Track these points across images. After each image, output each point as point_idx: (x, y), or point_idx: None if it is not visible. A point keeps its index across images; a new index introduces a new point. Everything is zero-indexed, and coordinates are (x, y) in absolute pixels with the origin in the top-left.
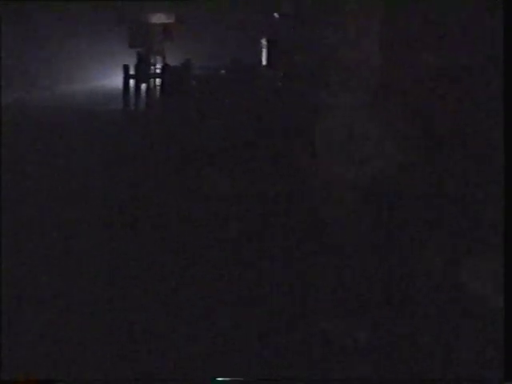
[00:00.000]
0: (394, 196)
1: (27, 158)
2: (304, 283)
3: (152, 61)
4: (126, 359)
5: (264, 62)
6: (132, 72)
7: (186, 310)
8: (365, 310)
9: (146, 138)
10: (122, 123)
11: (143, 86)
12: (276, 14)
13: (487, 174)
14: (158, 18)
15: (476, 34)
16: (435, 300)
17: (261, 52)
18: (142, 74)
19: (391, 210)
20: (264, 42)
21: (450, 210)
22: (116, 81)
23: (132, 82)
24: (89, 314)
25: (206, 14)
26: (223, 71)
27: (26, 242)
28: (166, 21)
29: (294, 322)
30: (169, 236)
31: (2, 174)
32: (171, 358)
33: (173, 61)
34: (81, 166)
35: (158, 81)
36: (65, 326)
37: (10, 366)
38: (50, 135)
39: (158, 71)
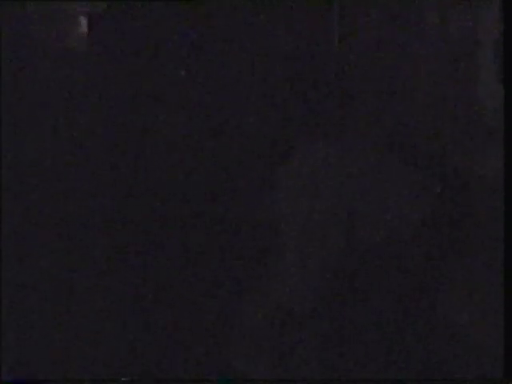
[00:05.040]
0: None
1: None
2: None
3: None
4: (124, 359)
5: None
6: None
7: (186, 310)
8: (365, 304)
9: None
10: None
11: None
12: None
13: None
14: None
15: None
16: (432, 299)
17: None
18: None
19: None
20: None
21: (449, 212)
22: None
23: None
24: (88, 313)
25: None
26: None
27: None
28: None
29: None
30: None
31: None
32: (170, 358)
33: None
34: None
35: None
36: (64, 325)
37: (10, 366)
38: None
39: None
